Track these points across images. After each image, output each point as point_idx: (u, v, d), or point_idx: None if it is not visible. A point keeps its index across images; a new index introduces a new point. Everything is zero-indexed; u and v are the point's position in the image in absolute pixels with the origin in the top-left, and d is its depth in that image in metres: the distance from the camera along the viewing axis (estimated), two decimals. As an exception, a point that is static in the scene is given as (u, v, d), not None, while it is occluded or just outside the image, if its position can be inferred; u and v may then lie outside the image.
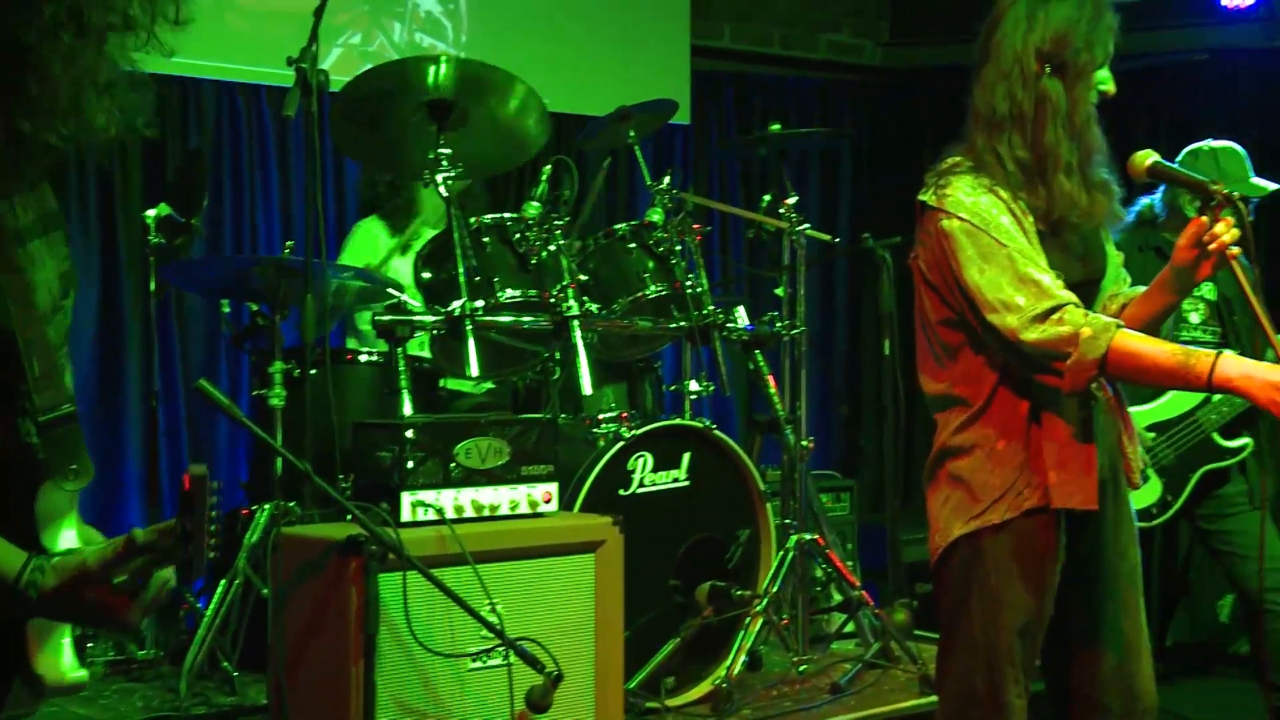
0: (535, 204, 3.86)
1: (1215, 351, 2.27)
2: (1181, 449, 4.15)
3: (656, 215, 4.12)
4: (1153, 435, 4.18)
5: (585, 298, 3.89)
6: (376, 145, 4.04)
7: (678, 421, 3.90)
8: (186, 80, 5.28)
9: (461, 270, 3.66)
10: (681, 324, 4.04)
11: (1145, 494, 4.21)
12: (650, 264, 4.08)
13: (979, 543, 2.47)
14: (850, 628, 4.38)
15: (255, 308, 4.10)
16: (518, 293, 3.77)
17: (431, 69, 3.77)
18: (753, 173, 6.61)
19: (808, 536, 4.09)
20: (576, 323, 3.75)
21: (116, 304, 5.20)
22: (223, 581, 3.76)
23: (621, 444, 3.68)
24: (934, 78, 6.68)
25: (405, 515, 2.91)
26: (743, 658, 3.81)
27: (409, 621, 2.74)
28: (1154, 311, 2.52)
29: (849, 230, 6.78)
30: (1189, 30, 6.25)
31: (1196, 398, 4.16)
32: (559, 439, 3.30)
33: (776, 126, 4.48)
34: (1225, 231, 2.35)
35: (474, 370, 3.62)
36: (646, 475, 3.77)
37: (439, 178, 3.73)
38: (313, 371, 3.83)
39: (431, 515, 2.95)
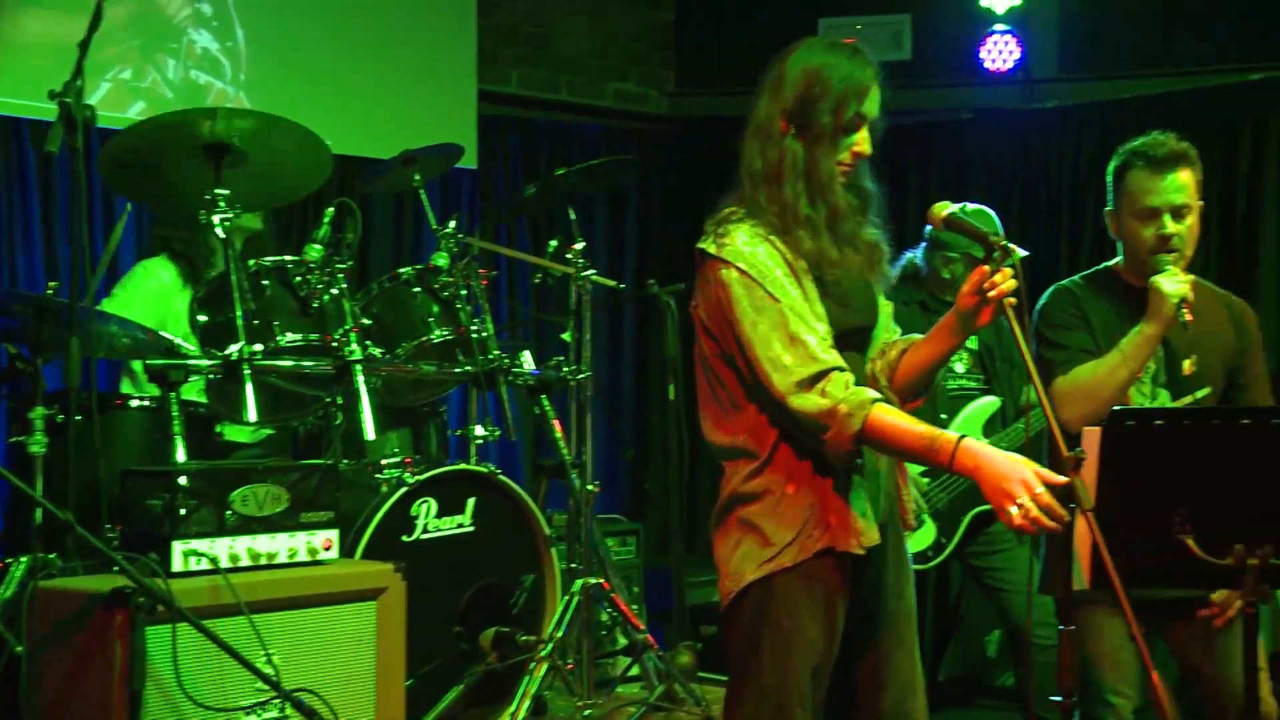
0: (317, 247, 3.80)
1: (958, 436, 2.36)
2: (954, 493, 4.31)
3: (442, 259, 4.10)
4: (927, 480, 4.33)
5: (368, 342, 3.83)
6: (151, 189, 3.92)
7: (462, 466, 3.88)
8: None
9: (239, 313, 3.57)
10: (467, 368, 4.02)
11: (921, 537, 4.36)
12: (435, 308, 4.06)
13: (771, 585, 2.50)
14: (635, 671, 4.39)
15: (14, 350, 3.91)
16: (298, 336, 3.70)
17: (207, 122, 3.67)
18: (540, 218, 6.63)
19: (593, 581, 4.09)
20: (359, 367, 3.70)
21: None
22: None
23: (404, 489, 3.64)
24: (718, 127, 6.79)
25: (177, 565, 2.81)
26: (527, 703, 3.78)
27: (178, 676, 2.64)
28: (935, 356, 2.61)
29: (635, 276, 6.86)
30: (956, 90, 6.54)
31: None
32: (340, 485, 3.25)
33: (562, 171, 4.51)
34: (1004, 281, 2.45)
35: (252, 415, 3.53)
36: (430, 521, 3.74)
37: (215, 218, 3.64)
38: (78, 417, 3.67)
39: (205, 565, 2.85)
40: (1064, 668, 2.27)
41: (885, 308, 2.72)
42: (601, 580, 4.15)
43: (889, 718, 2.64)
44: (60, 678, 2.68)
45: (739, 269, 2.48)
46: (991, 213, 4.30)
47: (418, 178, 4.45)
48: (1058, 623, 2.49)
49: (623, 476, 6.81)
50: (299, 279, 3.74)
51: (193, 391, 3.84)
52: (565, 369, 4.31)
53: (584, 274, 4.34)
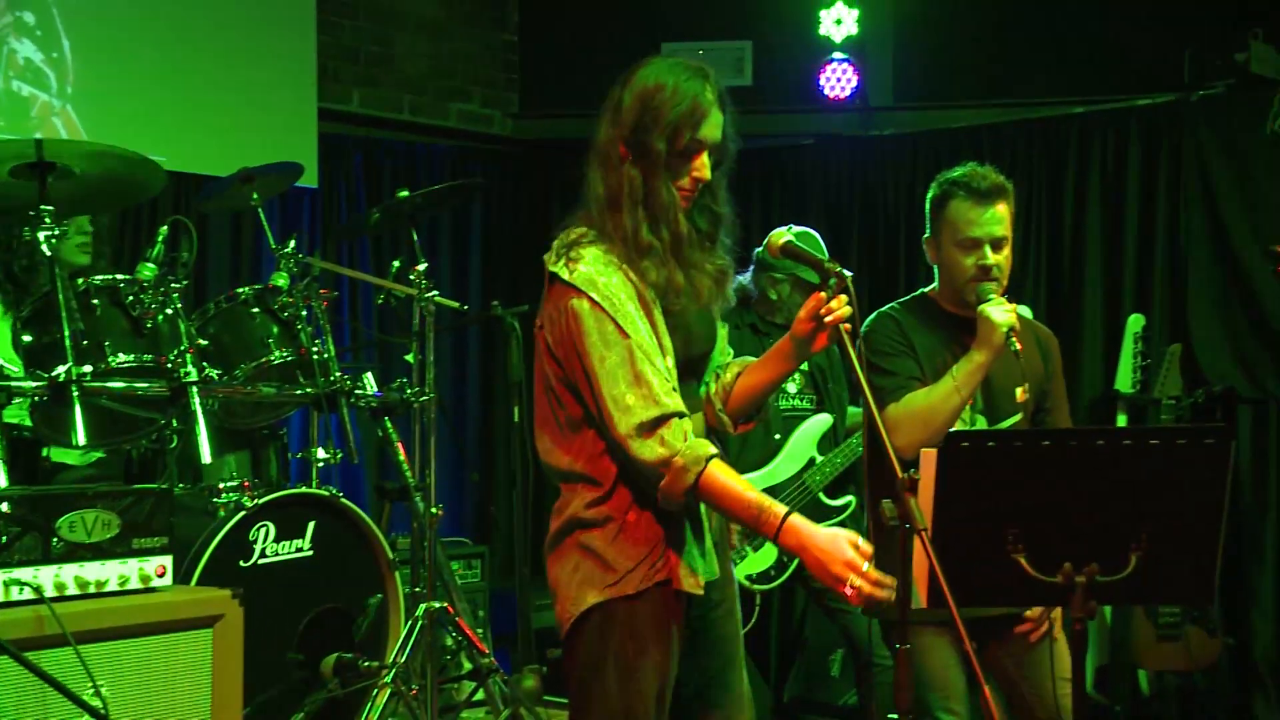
0: (150, 266, 3.71)
1: (785, 511, 2.40)
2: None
3: (282, 279, 4.05)
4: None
5: (205, 363, 3.76)
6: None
7: (303, 490, 3.82)
8: None
9: (67, 333, 3.46)
10: (308, 390, 3.96)
11: (762, 557, 4.41)
12: (275, 329, 3.99)
13: (613, 610, 2.50)
14: (480, 695, 4.36)
15: None
16: (131, 358, 3.60)
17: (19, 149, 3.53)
18: (383, 238, 6.56)
19: (437, 605, 4.05)
20: (195, 389, 3.62)
21: None
22: None
23: (243, 514, 3.57)
24: (562, 149, 6.84)
25: (-2, 596, 2.70)
26: (370, 731, 3.73)
27: None
28: (770, 379, 2.65)
29: (480, 297, 6.83)
30: (797, 116, 6.67)
31: (803, 461, 4.39)
32: (175, 510, 3.16)
33: (405, 193, 4.47)
34: (840, 307, 2.50)
35: (80, 439, 3.42)
36: (269, 546, 3.67)
37: (40, 235, 3.51)
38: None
39: (28, 594, 2.75)
40: (900, 687, 2.30)
41: (721, 330, 2.75)
42: (446, 604, 4.11)
43: None
44: None
45: (591, 299, 2.46)
46: (816, 235, 4.37)
47: (256, 196, 4.37)
48: (884, 644, 2.53)
49: (468, 499, 6.77)
50: (131, 298, 3.65)
51: (13, 414, 3.71)
52: (409, 391, 4.27)
53: (427, 295, 4.31)
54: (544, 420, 2.60)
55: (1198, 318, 5.55)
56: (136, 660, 2.85)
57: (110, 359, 3.55)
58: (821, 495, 4.37)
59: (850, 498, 4.43)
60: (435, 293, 4.35)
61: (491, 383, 7.05)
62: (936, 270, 3.28)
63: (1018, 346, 3.05)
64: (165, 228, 3.80)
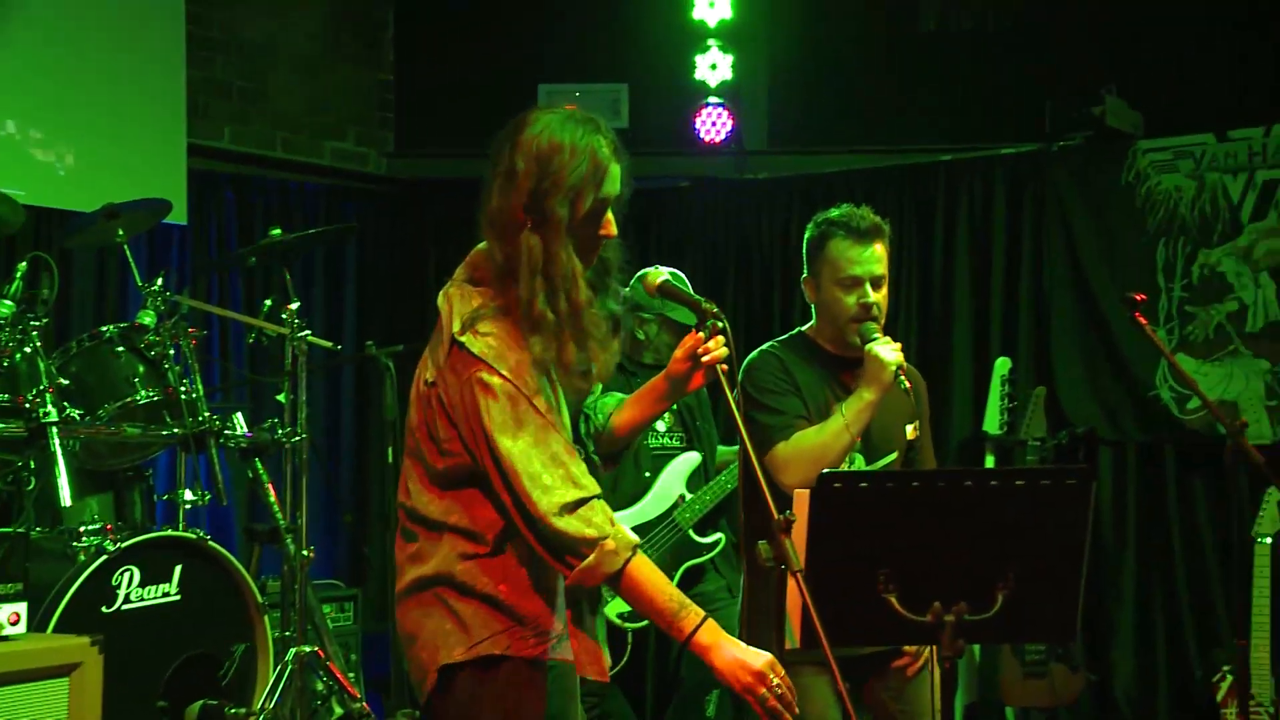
0: (8, 303, 3.63)
1: (702, 617, 2.36)
2: (662, 549, 4.37)
3: (148, 317, 3.97)
4: (636, 539, 4.37)
5: (66, 403, 3.67)
6: None
7: (169, 533, 3.75)
8: None
9: (-81, 371, 3.35)
10: (175, 430, 3.88)
11: (633, 595, 4.39)
12: (141, 368, 3.92)
13: (488, 670, 2.39)
14: (351, 742, 4.28)
15: None
16: (-13, 397, 3.50)
17: None
18: (255, 276, 6.45)
19: (307, 649, 3.98)
20: (55, 429, 3.52)
21: None
22: None
23: (104, 558, 3.48)
24: (438, 188, 6.81)
25: None
26: (236, 781, 3.64)
27: None
28: (642, 418, 2.65)
29: (355, 337, 6.75)
30: (673, 159, 6.74)
31: (672, 498, 4.40)
32: (31, 554, 3.09)
33: (277, 231, 4.41)
34: (717, 347, 2.51)
35: (-68, 481, 3.30)
36: (133, 590, 3.59)
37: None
38: None
39: (-125, 645, 2.64)
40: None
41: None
42: (317, 648, 4.04)
43: None
44: None
45: (503, 376, 2.35)
46: (682, 275, 4.40)
47: (121, 233, 4.28)
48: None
49: (341, 540, 6.66)
50: (-11, 336, 3.54)
51: None
52: (280, 431, 4.20)
53: (300, 334, 4.25)
54: (415, 465, 2.48)
55: (1061, 361, 5.72)
56: (-11, 712, 2.76)
57: (-34, 398, 3.44)
58: (691, 532, 4.38)
59: (720, 534, 4.45)
60: (308, 332, 4.30)
61: (366, 423, 6.97)
62: (815, 309, 3.32)
63: (906, 385, 3.10)
64: (24, 264, 3.71)
